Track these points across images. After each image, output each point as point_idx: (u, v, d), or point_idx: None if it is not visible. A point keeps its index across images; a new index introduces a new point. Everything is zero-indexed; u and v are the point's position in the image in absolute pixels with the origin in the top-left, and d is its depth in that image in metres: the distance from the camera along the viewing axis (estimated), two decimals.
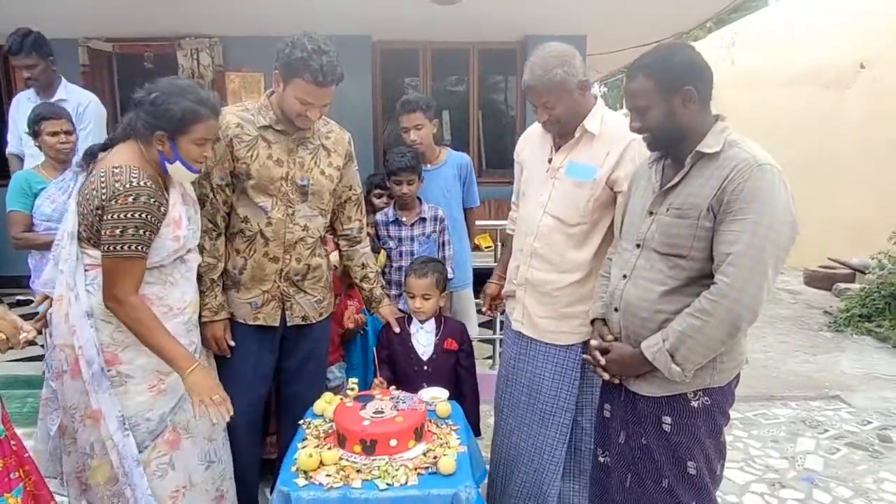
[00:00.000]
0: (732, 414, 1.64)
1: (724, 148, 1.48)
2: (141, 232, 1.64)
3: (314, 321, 2.15)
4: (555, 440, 2.00)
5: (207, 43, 5.33)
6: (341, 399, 1.92)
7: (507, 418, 2.13)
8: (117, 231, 1.63)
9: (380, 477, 1.59)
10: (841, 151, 6.94)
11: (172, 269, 1.80)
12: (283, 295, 2.07)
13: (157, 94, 1.68)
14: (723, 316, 1.42)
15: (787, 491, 2.65)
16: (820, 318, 5.44)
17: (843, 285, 6.05)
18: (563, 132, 1.93)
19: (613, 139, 1.85)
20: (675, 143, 1.55)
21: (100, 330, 1.70)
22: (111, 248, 1.64)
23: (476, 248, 5.19)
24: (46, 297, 1.87)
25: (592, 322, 1.79)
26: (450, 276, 2.54)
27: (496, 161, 6.26)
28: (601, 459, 1.81)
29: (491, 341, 3.80)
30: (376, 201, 2.92)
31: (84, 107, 3.07)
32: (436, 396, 2.03)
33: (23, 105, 3.16)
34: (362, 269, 2.29)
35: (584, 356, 1.79)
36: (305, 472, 1.63)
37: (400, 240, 2.69)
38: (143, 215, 1.64)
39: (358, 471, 1.63)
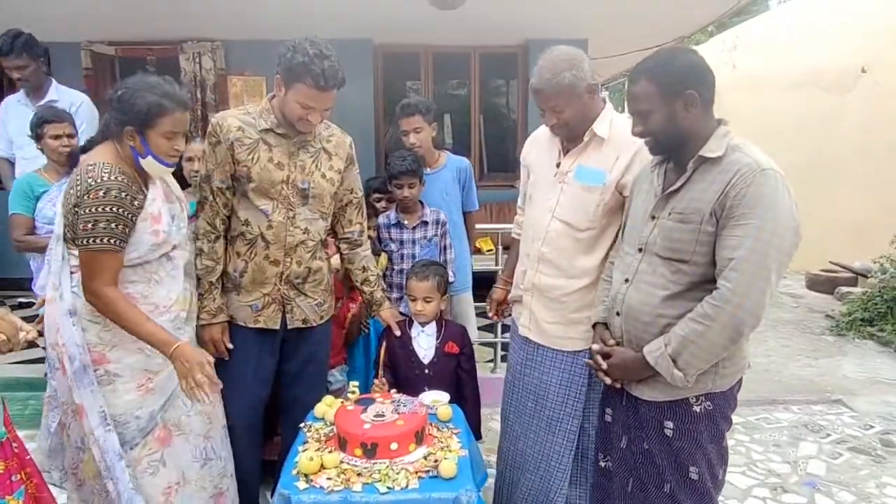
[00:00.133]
0: (734, 418, 1.63)
1: (727, 152, 1.48)
2: (113, 225, 1.67)
3: (315, 324, 2.15)
4: (562, 447, 1.97)
5: (210, 46, 5.35)
6: (342, 402, 1.92)
7: (514, 425, 2.11)
8: (90, 225, 1.66)
9: (380, 480, 1.59)
10: (842, 155, 6.93)
11: (158, 266, 1.82)
12: (284, 298, 2.07)
13: (123, 91, 1.72)
14: (725, 321, 1.41)
15: (790, 496, 2.64)
16: (822, 322, 5.43)
17: (845, 289, 6.04)
18: (572, 136, 1.90)
19: (623, 143, 1.82)
20: (677, 148, 1.55)
21: (87, 330, 1.74)
22: (84, 241, 1.67)
23: (477, 251, 5.20)
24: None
25: (594, 326, 1.78)
26: (451, 279, 2.54)
27: (497, 165, 6.26)
28: (602, 464, 1.80)
29: (492, 345, 3.80)
30: (376, 205, 2.92)
31: (77, 107, 3.07)
32: (437, 400, 2.03)
33: (12, 108, 3.15)
34: (363, 272, 2.29)
35: (586, 360, 1.79)
36: (306, 476, 1.63)
37: (402, 243, 2.69)
38: (115, 209, 1.67)
39: (359, 474, 1.63)
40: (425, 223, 2.69)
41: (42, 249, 2.61)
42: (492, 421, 3.24)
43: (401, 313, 2.44)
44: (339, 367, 2.68)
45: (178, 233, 1.86)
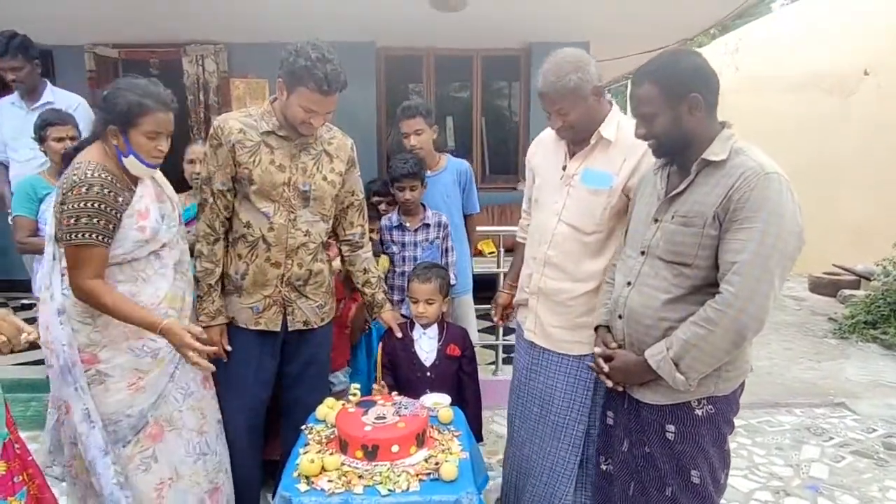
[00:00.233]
0: (736, 421, 1.63)
1: (731, 156, 1.47)
2: (95, 221, 1.69)
3: (316, 326, 2.16)
4: (567, 452, 1.96)
5: (212, 49, 5.37)
6: (343, 404, 1.92)
7: (520, 430, 2.09)
8: (72, 220, 1.69)
9: (381, 483, 1.59)
10: (845, 157, 6.92)
11: (146, 264, 1.84)
12: (285, 300, 2.08)
13: (108, 91, 1.76)
14: (728, 325, 1.41)
15: (792, 499, 2.63)
16: (825, 325, 5.41)
17: (847, 292, 6.03)
18: (578, 139, 1.89)
19: (630, 146, 1.79)
20: (680, 150, 1.54)
21: (78, 331, 1.77)
22: (68, 236, 1.70)
23: (479, 253, 5.21)
24: None
25: (596, 329, 1.78)
26: (452, 282, 2.54)
27: (500, 167, 6.27)
28: (604, 467, 1.80)
29: (494, 347, 3.80)
30: (379, 207, 2.92)
31: (73, 109, 3.07)
32: (438, 402, 2.02)
33: (6, 110, 3.15)
34: (364, 273, 2.29)
35: (588, 363, 1.78)
36: (307, 478, 1.63)
37: (403, 245, 2.70)
38: (97, 204, 1.69)
39: (360, 476, 1.63)
40: (427, 226, 2.70)
41: (44, 251, 2.63)
42: (493, 423, 3.24)
43: (402, 315, 2.44)
44: (343, 370, 2.68)
45: (168, 231, 1.89)
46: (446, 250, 2.75)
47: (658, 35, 5.20)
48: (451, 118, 6.59)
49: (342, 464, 1.68)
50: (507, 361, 3.77)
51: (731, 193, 1.42)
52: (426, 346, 2.28)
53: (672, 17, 4.76)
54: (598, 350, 1.70)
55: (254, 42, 5.13)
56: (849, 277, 6.34)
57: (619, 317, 1.65)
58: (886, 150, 6.32)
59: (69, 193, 1.69)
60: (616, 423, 1.73)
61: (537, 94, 1.85)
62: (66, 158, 1.88)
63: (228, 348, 2.06)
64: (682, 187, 1.53)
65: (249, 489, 2.19)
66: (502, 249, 3.66)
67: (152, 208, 1.83)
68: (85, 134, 3.06)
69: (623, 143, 1.83)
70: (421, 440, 1.76)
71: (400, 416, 1.80)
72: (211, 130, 2.01)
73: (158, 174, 1.97)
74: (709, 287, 1.48)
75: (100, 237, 1.71)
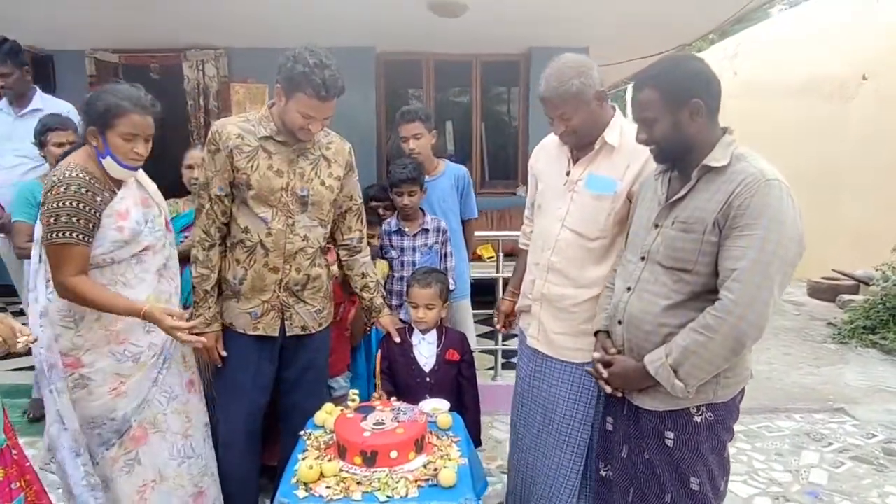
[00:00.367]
0: (736, 427, 1.62)
1: (732, 162, 1.47)
2: (74, 219, 1.72)
3: (314, 331, 2.15)
4: (570, 462, 1.94)
5: (213, 54, 5.39)
6: (342, 410, 1.92)
7: (524, 437, 2.08)
8: (52, 219, 1.72)
9: (380, 489, 1.59)
10: (843, 162, 6.93)
11: (126, 268, 1.85)
12: (283, 305, 2.07)
13: (90, 95, 1.80)
14: (727, 332, 1.40)
15: None
16: (824, 330, 5.41)
17: (846, 297, 6.03)
18: (580, 144, 1.88)
19: (634, 151, 1.77)
20: (681, 156, 1.54)
21: (61, 335, 1.79)
22: (48, 235, 1.73)
23: (478, 258, 5.21)
24: None
25: (596, 334, 1.77)
26: (451, 287, 2.54)
27: (499, 172, 6.28)
28: (603, 473, 1.79)
29: (493, 352, 3.80)
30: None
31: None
32: (437, 408, 2.02)
33: None
34: (362, 278, 2.29)
35: (587, 369, 1.78)
36: (305, 484, 1.62)
37: (402, 250, 2.70)
38: (75, 203, 1.72)
39: (358, 483, 1.62)
40: (426, 230, 2.70)
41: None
42: (492, 429, 3.24)
43: (401, 320, 2.44)
44: (344, 375, 2.68)
45: (151, 235, 1.90)
46: (445, 255, 2.75)
47: (657, 40, 5.22)
48: (450, 123, 6.61)
49: (341, 470, 1.67)
50: (506, 367, 3.77)
51: (731, 199, 1.42)
52: (425, 351, 2.28)
53: (671, 22, 4.78)
54: (596, 355, 1.69)
55: (254, 47, 5.15)
56: (848, 282, 6.35)
57: (619, 322, 1.65)
58: (885, 155, 6.33)
59: (48, 193, 1.74)
60: (615, 429, 1.73)
61: (539, 100, 1.84)
62: (58, 163, 1.91)
63: (224, 354, 2.06)
64: (682, 193, 1.53)
65: (247, 495, 2.19)
66: (501, 254, 3.66)
67: (133, 210, 1.85)
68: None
69: (627, 149, 1.82)
70: (420, 446, 1.75)
71: (399, 421, 1.79)
72: (209, 135, 2.01)
73: (146, 179, 1.99)
74: (709, 293, 1.47)
75: (80, 235, 1.73)
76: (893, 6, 6.43)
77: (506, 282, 2.46)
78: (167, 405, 1.93)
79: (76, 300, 1.76)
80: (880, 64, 6.55)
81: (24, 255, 2.74)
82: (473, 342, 3.03)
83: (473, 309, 3.14)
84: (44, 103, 3.14)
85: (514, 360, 2.29)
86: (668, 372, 1.48)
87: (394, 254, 2.71)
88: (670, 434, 1.55)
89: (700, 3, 4.32)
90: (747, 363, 1.56)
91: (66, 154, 1.91)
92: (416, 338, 2.30)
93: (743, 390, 1.58)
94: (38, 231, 1.81)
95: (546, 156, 2.06)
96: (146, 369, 1.88)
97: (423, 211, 2.74)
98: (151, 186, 2.02)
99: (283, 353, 2.14)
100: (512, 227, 5.39)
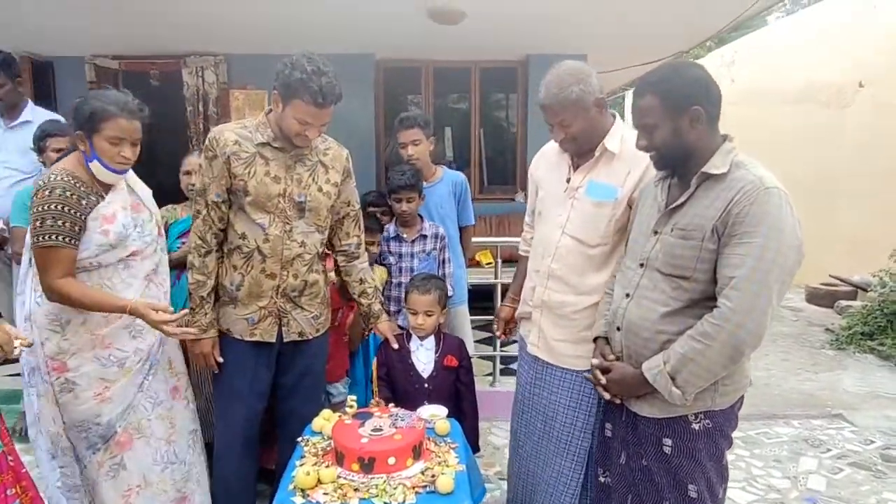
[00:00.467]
0: (734, 433, 1.61)
1: (731, 169, 1.47)
2: (60, 223, 1.74)
3: (311, 337, 2.15)
4: (570, 470, 1.93)
5: (212, 61, 5.40)
6: (340, 416, 1.92)
7: (524, 444, 2.07)
8: (38, 223, 1.74)
9: (377, 496, 1.58)
10: (840, 168, 6.96)
11: (112, 272, 1.87)
12: (280, 311, 2.07)
13: (78, 100, 1.83)
14: (725, 340, 1.40)
15: None
16: (822, 336, 5.41)
17: (844, 303, 6.03)
18: (580, 151, 1.88)
19: (634, 158, 1.77)
20: (681, 163, 1.54)
21: (49, 339, 1.81)
22: (35, 239, 1.75)
23: (476, 264, 5.22)
24: None
25: (595, 340, 1.77)
26: (449, 293, 2.54)
27: (497, 178, 6.29)
28: (602, 479, 1.79)
29: (491, 358, 3.79)
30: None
31: None
32: (435, 414, 2.02)
33: None
34: (360, 284, 2.28)
35: (586, 375, 1.78)
36: (303, 491, 1.62)
37: (400, 256, 2.70)
38: (60, 206, 1.74)
39: (356, 489, 1.62)
40: (424, 237, 2.70)
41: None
42: (490, 434, 3.23)
43: (399, 326, 2.43)
44: (343, 381, 2.68)
45: (140, 240, 1.92)
46: (443, 262, 2.75)
47: (654, 47, 5.25)
48: (449, 129, 6.63)
49: (338, 476, 1.67)
50: (504, 373, 3.77)
51: (730, 207, 1.42)
52: (423, 357, 2.28)
53: (668, 29, 4.81)
54: (595, 362, 1.69)
55: (253, 53, 5.17)
56: (845, 288, 6.36)
57: (618, 329, 1.65)
58: (882, 162, 6.35)
59: (34, 197, 1.76)
60: (614, 435, 1.73)
61: (539, 107, 1.84)
62: None
63: (220, 360, 2.06)
64: (681, 200, 1.53)
65: (245, 500, 2.18)
66: (500, 260, 3.67)
67: (120, 214, 1.86)
68: None
69: (627, 156, 1.82)
70: (417, 452, 1.75)
71: (396, 428, 1.79)
72: (206, 142, 2.01)
73: (139, 184, 2.01)
74: (707, 301, 1.48)
75: (65, 238, 1.75)
76: (890, 14, 6.48)
77: (504, 288, 2.46)
78: (152, 411, 1.95)
79: (64, 301, 1.77)
80: (876, 70, 6.59)
81: (20, 259, 2.74)
82: (471, 348, 3.04)
83: (472, 315, 3.14)
84: (33, 115, 3.13)
85: (513, 366, 2.29)
86: (665, 379, 1.47)
87: (392, 260, 2.71)
88: (668, 441, 1.55)
89: (697, 11, 4.35)
90: (746, 371, 1.56)
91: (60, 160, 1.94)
92: (414, 344, 2.29)
93: (742, 398, 1.58)
94: (29, 236, 1.83)
95: (546, 163, 2.06)
96: (132, 375, 1.90)
97: (421, 217, 2.75)
98: (145, 192, 2.03)
99: (281, 358, 2.14)
100: (511, 233, 5.40)
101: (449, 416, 2.04)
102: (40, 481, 1.88)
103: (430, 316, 2.26)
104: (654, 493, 1.58)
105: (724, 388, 1.51)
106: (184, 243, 2.44)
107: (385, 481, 1.64)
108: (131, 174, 2.01)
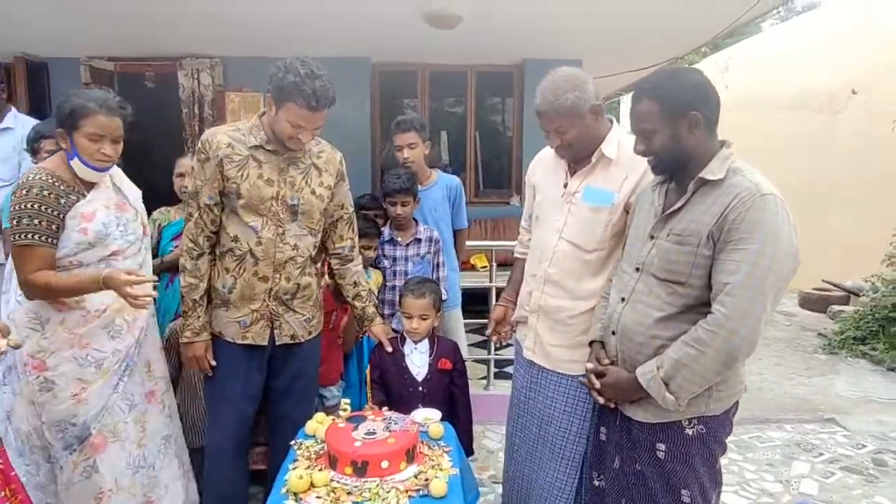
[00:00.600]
0: (727, 438, 1.62)
1: (728, 175, 1.47)
2: (36, 221, 1.75)
3: (303, 340, 2.14)
4: (565, 474, 1.93)
5: (208, 63, 5.39)
6: (333, 420, 1.91)
7: (519, 449, 2.07)
8: (14, 222, 1.75)
9: (371, 499, 1.58)
10: (833, 174, 7.01)
11: (93, 272, 1.85)
12: (272, 314, 2.07)
13: (61, 99, 1.84)
14: (719, 346, 1.40)
15: None
16: (814, 341, 5.44)
17: (837, 308, 6.07)
18: (576, 157, 1.88)
19: (632, 163, 1.77)
20: (679, 168, 1.54)
21: (28, 337, 1.81)
22: (13, 237, 1.76)
23: (471, 267, 5.22)
24: None
25: (590, 344, 1.77)
26: (444, 297, 2.54)
27: (493, 181, 6.30)
28: (596, 483, 1.79)
29: (486, 361, 3.79)
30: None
31: None
32: (428, 417, 2.01)
33: None
34: (354, 287, 2.28)
35: (581, 379, 1.78)
36: (295, 494, 1.61)
37: (395, 259, 2.70)
38: (37, 205, 1.75)
39: (349, 493, 1.61)
40: (418, 240, 2.70)
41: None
42: (484, 438, 3.23)
43: (393, 330, 2.43)
44: (337, 384, 2.67)
45: (122, 239, 1.92)
46: (437, 265, 2.75)
47: (649, 53, 5.27)
48: (445, 133, 6.64)
49: (331, 480, 1.66)
50: (498, 376, 3.76)
51: (726, 213, 1.42)
52: (417, 360, 2.28)
53: (663, 35, 4.83)
54: (590, 366, 1.69)
55: (249, 56, 5.17)
56: (838, 293, 6.39)
57: (613, 333, 1.65)
58: (875, 168, 6.40)
59: (13, 197, 1.77)
60: (608, 439, 1.73)
61: (535, 113, 1.84)
62: None
63: (213, 363, 2.05)
64: (678, 205, 1.53)
65: (236, 502, 2.17)
66: (495, 264, 3.67)
67: (100, 213, 1.86)
68: None
69: (624, 161, 1.82)
70: (411, 456, 1.74)
71: (390, 431, 1.79)
72: (199, 144, 2.00)
73: (127, 184, 2.00)
74: (702, 306, 1.48)
75: (42, 237, 1.76)
76: (883, 21, 6.53)
77: (499, 291, 2.46)
78: (128, 413, 1.95)
79: (44, 294, 1.78)
80: (869, 77, 6.65)
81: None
82: (465, 351, 3.04)
83: (467, 319, 3.14)
84: (16, 122, 3.09)
85: (507, 369, 2.29)
86: (659, 384, 1.48)
87: (386, 263, 2.71)
88: (662, 446, 1.55)
89: (692, 17, 4.37)
90: (741, 377, 1.56)
91: None
92: (408, 347, 2.29)
93: (737, 404, 1.58)
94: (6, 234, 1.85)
95: (543, 168, 2.06)
96: (108, 376, 1.89)
97: (415, 221, 2.75)
98: (133, 192, 2.03)
99: (273, 361, 2.13)
100: (506, 237, 5.41)
101: (443, 419, 2.03)
102: None
103: (424, 320, 2.25)
104: (648, 497, 1.58)
105: (718, 394, 1.51)
106: (177, 246, 2.43)
107: (378, 485, 1.63)
108: (120, 173, 2.01)
